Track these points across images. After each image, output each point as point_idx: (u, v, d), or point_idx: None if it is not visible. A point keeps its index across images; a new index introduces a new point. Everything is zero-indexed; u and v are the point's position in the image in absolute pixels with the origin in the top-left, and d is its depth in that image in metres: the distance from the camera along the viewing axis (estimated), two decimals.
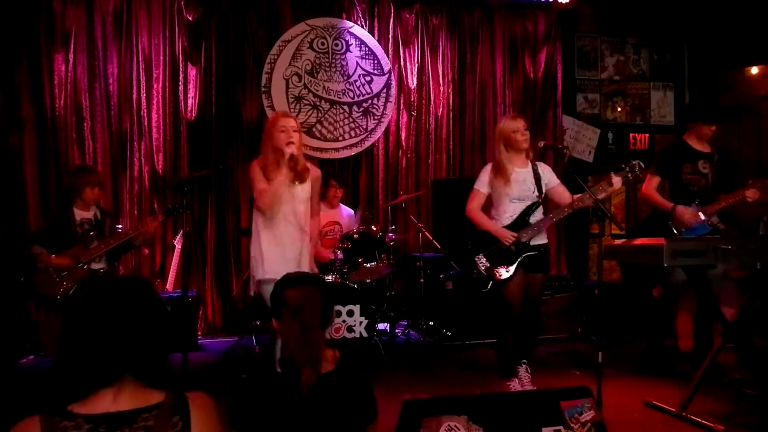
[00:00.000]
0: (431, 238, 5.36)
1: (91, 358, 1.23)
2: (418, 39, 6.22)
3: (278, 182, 3.27)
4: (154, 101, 5.55)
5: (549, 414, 2.28)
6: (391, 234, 4.86)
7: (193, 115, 5.66)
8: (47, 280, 3.84)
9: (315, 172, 3.53)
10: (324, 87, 6.01)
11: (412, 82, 6.20)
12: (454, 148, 6.32)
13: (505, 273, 3.55)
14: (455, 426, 2.16)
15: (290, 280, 1.98)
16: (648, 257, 3.14)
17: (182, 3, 5.61)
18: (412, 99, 6.20)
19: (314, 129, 5.95)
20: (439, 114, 6.27)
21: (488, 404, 2.31)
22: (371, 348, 4.53)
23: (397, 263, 5.23)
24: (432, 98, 6.24)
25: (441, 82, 6.26)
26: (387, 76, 6.14)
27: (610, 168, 3.63)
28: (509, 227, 3.58)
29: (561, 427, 2.26)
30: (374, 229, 4.67)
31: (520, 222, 3.60)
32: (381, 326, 4.98)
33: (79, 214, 4.01)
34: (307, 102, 5.97)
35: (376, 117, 6.12)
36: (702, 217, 3.92)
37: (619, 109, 6.91)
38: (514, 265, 3.55)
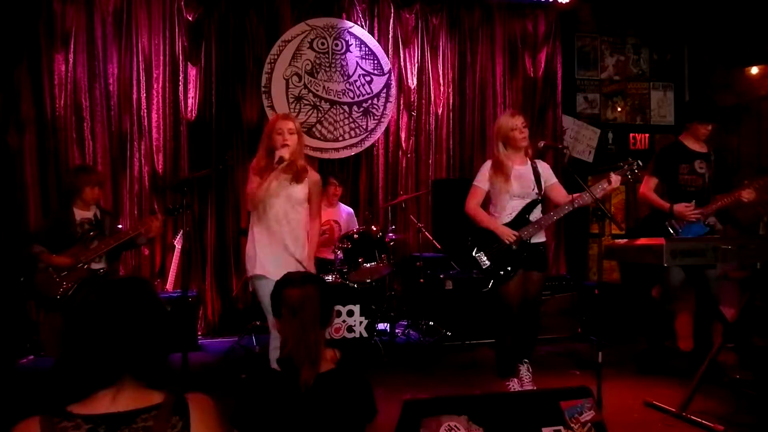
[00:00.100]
0: (431, 238, 5.36)
1: (91, 358, 1.23)
2: (418, 39, 6.22)
3: (266, 183, 3.24)
4: (154, 101, 5.55)
5: (549, 414, 2.29)
6: (391, 234, 4.86)
7: (193, 115, 5.66)
8: (47, 280, 3.84)
9: (314, 176, 3.47)
10: (324, 87, 6.01)
11: (412, 82, 6.20)
12: (454, 148, 6.32)
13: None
14: (455, 426, 2.16)
15: (290, 279, 1.99)
16: (648, 257, 3.14)
17: (182, 3, 5.61)
18: (412, 99, 6.20)
19: (314, 129, 5.95)
20: (439, 114, 6.27)
21: (488, 404, 2.31)
22: (371, 348, 4.53)
23: (397, 263, 5.23)
24: (432, 98, 6.24)
25: (441, 82, 6.26)
26: (387, 76, 6.14)
27: (610, 168, 3.62)
28: (509, 225, 3.55)
29: (561, 427, 2.27)
30: (374, 229, 4.67)
31: (520, 220, 3.58)
32: (381, 326, 4.98)
33: (80, 213, 4.01)
34: (307, 102, 5.97)
35: (376, 117, 6.12)
36: (701, 214, 3.92)
37: (619, 109, 6.91)
38: (515, 264, 3.54)
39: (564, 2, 6.35)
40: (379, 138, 6.13)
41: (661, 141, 6.76)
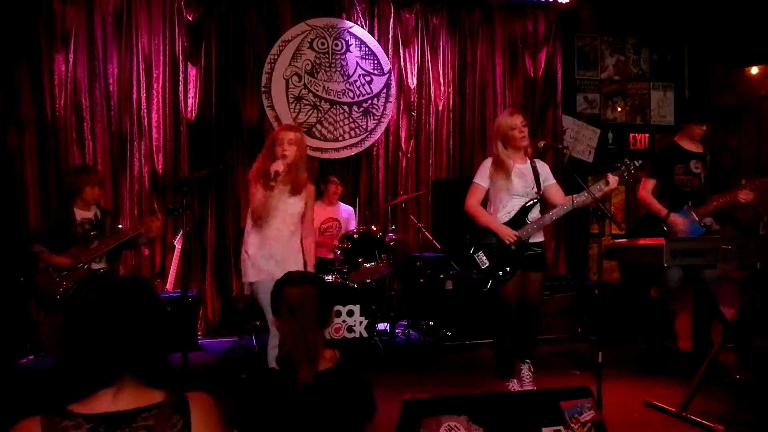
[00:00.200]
0: (431, 238, 5.36)
1: (92, 357, 1.24)
2: (418, 39, 6.22)
3: (267, 199, 3.29)
4: (154, 101, 5.55)
5: (549, 414, 2.28)
6: (391, 234, 4.86)
7: (193, 115, 5.66)
8: (47, 280, 3.84)
9: (310, 187, 3.52)
10: (324, 87, 6.01)
11: (412, 82, 6.20)
12: (454, 148, 6.32)
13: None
14: (455, 426, 2.16)
15: (290, 278, 1.99)
16: (648, 257, 3.14)
17: (182, 3, 5.61)
18: (412, 99, 6.20)
19: (314, 129, 5.95)
20: (439, 114, 6.27)
21: (488, 404, 2.31)
22: (371, 348, 4.53)
23: (397, 263, 5.24)
24: (432, 98, 6.25)
25: (441, 81, 6.26)
26: (387, 76, 6.14)
27: (607, 169, 3.62)
28: (508, 224, 3.53)
29: (561, 427, 2.26)
30: (374, 229, 4.67)
31: (519, 219, 3.56)
32: (381, 326, 4.98)
33: (80, 213, 4.01)
34: (307, 102, 5.97)
35: (376, 117, 6.12)
36: (694, 218, 3.92)
37: (619, 109, 6.91)
38: (513, 265, 3.53)
39: (564, 2, 6.35)
40: (379, 138, 6.13)
41: (661, 141, 6.76)
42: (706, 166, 4.05)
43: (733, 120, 6.25)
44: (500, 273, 3.54)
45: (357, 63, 6.08)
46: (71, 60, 5.32)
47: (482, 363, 4.33)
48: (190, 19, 5.64)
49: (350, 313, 4.53)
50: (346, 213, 5.37)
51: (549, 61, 6.50)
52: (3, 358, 4.49)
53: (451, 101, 6.29)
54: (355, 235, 4.57)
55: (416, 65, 6.21)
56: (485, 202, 3.70)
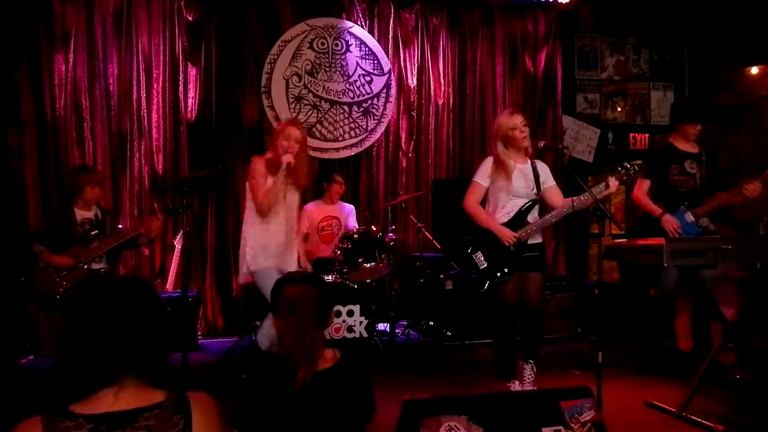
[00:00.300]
0: (431, 238, 5.36)
1: (92, 357, 1.24)
2: (418, 39, 6.22)
3: (273, 188, 3.48)
4: (154, 101, 5.55)
5: (549, 414, 2.29)
6: (391, 234, 4.86)
7: (193, 115, 5.66)
8: (47, 280, 3.84)
9: (306, 185, 3.77)
10: (324, 87, 6.01)
11: (412, 82, 6.20)
12: (454, 148, 6.32)
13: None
14: (455, 426, 2.16)
15: (289, 278, 2.00)
16: (648, 257, 3.14)
17: (182, 3, 5.61)
18: (412, 99, 6.20)
19: (314, 129, 5.96)
20: (439, 114, 6.27)
21: (488, 404, 2.31)
22: (371, 348, 4.53)
23: (397, 263, 5.24)
24: (432, 98, 6.25)
25: (441, 81, 6.26)
26: (387, 76, 6.14)
27: (609, 168, 3.62)
28: (507, 225, 3.52)
29: (561, 427, 2.27)
30: (374, 229, 4.67)
31: (519, 220, 3.54)
32: (381, 326, 4.98)
33: (80, 213, 4.01)
34: (307, 102, 5.97)
35: (376, 117, 6.12)
36: (690, 218, 3.91)
37: (619, 109, 6.91)
38: (511, 266, 3.53)
39: (564, 2, 6.35)
40: (379, 138, 6.13)
41: (661, 141, 6.76)
42: (702, 166, 4.05)
43: (733, 120, 6.25)
44: (498, 274, 3.53)
45: (357, 63, 6.08)
46: (71, 60, 5.32)
47: (482, 363, 4.33)
48: (190, 19, 5.65)
49: (350, 313, 4.53)
50: (347, 210, 5.36)
51: (549, 61, 6.50)
52: (3, 358, 4.49)
53: (451, 101, 6.29)
54: (355, 235, 4.56)
55: (416, 65, 6.21)
56: (483, 201, 3.68)
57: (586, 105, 6.82)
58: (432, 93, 6.24)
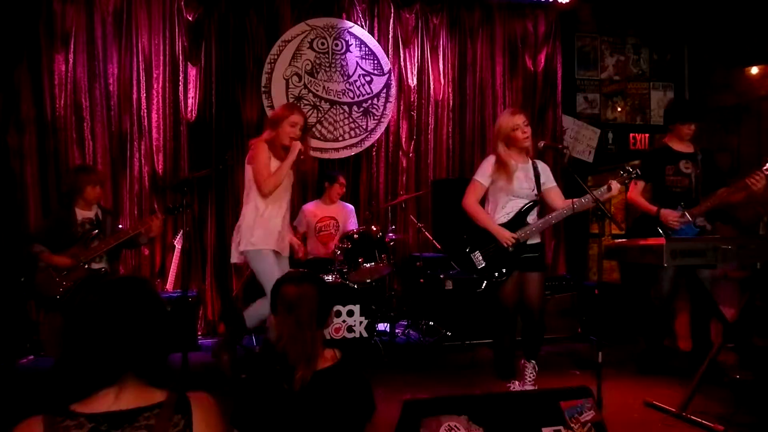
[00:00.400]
0: (431, 238, 5.36)
1: (92, 357, 1.24)
2: (418, 39, 6.22)
3: (283, 169, 3.58)
4: (154, 101, 5.55)
5: (549, 414, 2.29)
6: (391, 234, 4.86)
7: (193, 115, 5.66)
8: (47, 280, 3.84)
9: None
10: (324, 87, 6.01)
11: (412, 81, 6.20)
12: (454, 148, 6.32)
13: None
14: (455, 426, 2.16)
15: (289, 277, 2.00)
16: (648, 257, 3.14)
17: (182, 3, 5.61)
18: (412, 99, 6.20)
19: (314, 129, 5.95)
20: (439, 114, 6.27)
21: (488, 404, 2.31)
22: (371, 348, 4.53)
23: (397, 263, 5.23)
24: (432, 98, 6.24)
25: (441, 81, 6.26)
26: (387, 76, 6.14)
27: (609, 168, 3.62)
28: (506, 225, 3.51)
29: (561, 427, 2.27)
30: (374, 229, 4.67)
31: (518, 221, 3.54)
32: (381, 326, 4.98)
33: (81, 213, 4.02)
34: (307, 102, 5.97)
35: (376, 117, 6.12)
36: (688, 217, 3.91)
37: (619, 109, 6.91)
38: (510, 266, 3.52)
39: (564, 2, 6.35)
40: (379, 138, 6.13)
41: (661, 141, 6.76)
42: (698, 166, 4.05)
43: (733, 120, 6.25)
44: (496, 274, 3.53)
45: (357, 63, 6.08)
46: (71, 60, 5.32)
47: (482, 363, 4.33)
48: (190, 19, 5.65)
49: (350, 313, 4.53)
50: (347, 210, 5.36)
51: (549, 61, 6.50)
52: (3, 358, 4.49)
53: (451, 101, 6.29)
54: (355, 235, 4.56)
55: (416, 65, 6.21)
56: (482, 201, 3.67)
57: (586, 105, 6.83)
58: (432, 93, 6.24)
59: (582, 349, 4.85)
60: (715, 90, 6.51)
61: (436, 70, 6.25)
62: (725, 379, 3.72)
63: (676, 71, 7.01)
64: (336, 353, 1.94)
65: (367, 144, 6.11)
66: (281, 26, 5.88)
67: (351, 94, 6.07)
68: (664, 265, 3.06)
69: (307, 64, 5.97)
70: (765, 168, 3.66)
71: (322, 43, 6.01)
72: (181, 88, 5.61)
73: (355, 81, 6.07)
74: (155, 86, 5.55)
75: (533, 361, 3.57)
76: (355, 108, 6.08)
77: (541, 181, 3.62)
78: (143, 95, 5.52)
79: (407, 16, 6.21)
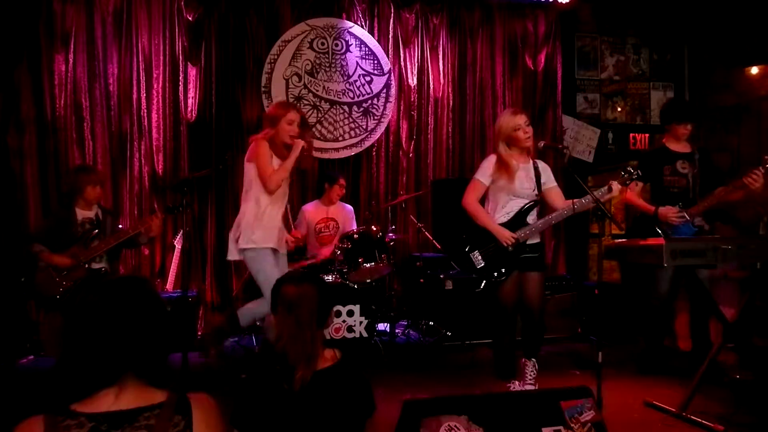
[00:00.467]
0: (431, 238, 5.36)
1: (93, 357, 1.24)
2: (418, 39, 6.22)
3: (285, 170, 3.58)
4: (154, 101, 5.55)
5: (549, 414, 2.29)
6: (391, 234, 4.86)
7: (193, 115, 5.66)
8: (47, 280, 3.85)
9: None
10: (324, 87, 6.01)
11: (413, 81, 6.20)
12: (454, 148, 6.32)
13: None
14: (455, 426, 2.16)
15: (289, 276, 2.00)
16: (648, 257, 3.14)
17: (182, 3, 5.61)
18: (412, 99, 6.20)
19: (314, 129, 5.95)
20: (439, 114, 6.27)
21: (488, 404, 2.32)
22: (371, 348, 4.53)
23: (397, 263, 5.23)
24: (432, 98, 6.24)
25: (441, 81, 6.26)
26: (387, 76, 6.14)
27: (609, 168, 3.62)
28: (506, 225, 3.51)
29: (561, 427, 2.27)
30: (374, 229, 4.67)
31: (518, 221, 3.54)
32: (381, 326, 4.98)
33: (81, 213, 4.02)
34: (307, 102, 5.97)
35: (376, 117, 6.12)
36: (686, 215, 3.91)
37: (619, 109, 6.91)
38: (509, 266, 3.52)
39: (564, 2, 6.35)
40: (379, 138, 6.13)
41: (659, 142, 6.77)
42: (695, 165, 4.05)
43: (733, 120, 6.25)
44: (495, 274, 3.52)
45: (357, 63, 6.08)
46: (71, 60, 5.32)
47: (482, 363, 4.33)
48: (190, 19, 5.64)
49: (350, 313, 4.53)
50: (346, 211, 5.36)
51: (549, 61, 6.50)
52: (3, 358, 4.49)
53: (451, 101, 6.29)
54: (355, 235, 4.57)
55: (416, 65, 6.21)
56: (485, 200, 3.67)
57: (586, 105, 6.82)
58: (432, 93, 6.24)
59: (582, 349, 4.85)
60: (715, 90, 6.51)
61: (436, 70, 6.25)
62: (725, 379, 3.72)
63: (676, 71, 7.00)
64: (336, 353, 1.94)
65: (367, 144, 6.10)
66: (281, 26, 5.88)
67: (351, 94, 6.06)
68: (664, 265, 3.06)
69: (307, 64, 5.97)
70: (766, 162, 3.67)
71: (322, 43, 6.01)
72: (181, 88, 5.61)
73: (355, 81, 6.07)
74: (155, 86, 5.54)
75: (533, 360, 3.57)
76: (355, 108, 6.08)
77: (542, 181, 3.61)
78: (143, 95, 5.52)
79: (407, 16, 6.21)
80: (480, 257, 3.54)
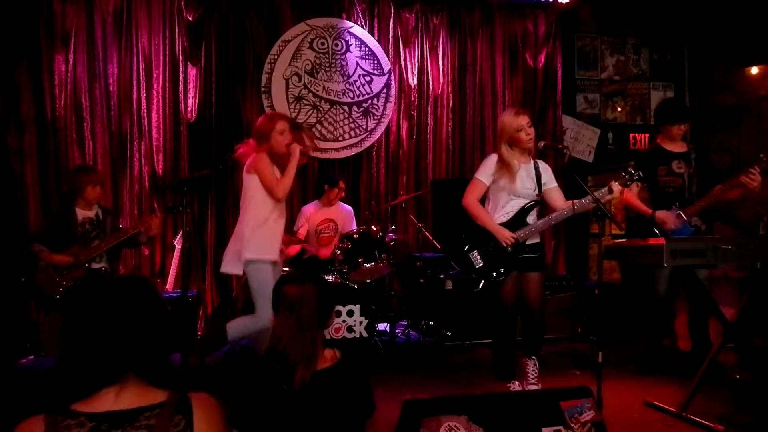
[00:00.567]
0: (431, 238, 5.36)
1: (93, 357, 1.24)
2: (418, 39, 6.22)
3: (289, 177, 3.56)
4: (154, 101, 5.55)
5: (549, 414, 2.29)
6: (391, 234, 4.86)
7: (193, 115, 5.66)
8: (47, 279, 3.84)
9: None
10: (324, 87, 6.01)
11: (413, 81, 6.20)
12: (454, 148, 6.32)
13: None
14: (455, 426, 2.16)
15: (290, 277, 2.00)
16: (648, 257, 3.14)
17: (182, 3, 5.61)
18: (412, 99, 6.20)
19: (314, 129, 5.95)
20: (439, 114, 6.27)
21: (488, 404, 2.32)
22: (371, 348, 4.53)
23: (397, 263, 5.23)
24: (432, 98, 6.24)
25: (441, 81, 6.26)
26: (387, 76, 6.14)
27: (609, 168, 3.62)
28: (506, 225, 3.50)
29: (561, 427, 2.27)
30: (374, 229, 4.67)
31: (518, 221, 3.53)
32: (381, 326, 4.98)
33: (81, 213, 4.02)
34: (307, 102, 5.97)
35: (376, 117, 6.12)
36: (684, 217, 3.91)
37: (619, 109, 6.91)
38: (508, 266, 3.51)
39: (564, 2, 6.35)
40: (379, 138, 6.13)
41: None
42: (690, 165, 4.04)
43: (733, 120, 6.25)
44: (494, 274, 3.52)
45: (357, 63, 6.08)
46: (71, 60, 5.32)
47: (482, 363, 4.33)
48: (190, 19, 5.65)
49: (350, 313, 4.53)
50: (345, 212, 5.36)
51: (549, 61, 6.50)
52: (3, 358, 4.49)
53: (451, 101, 6.29)
54: (355, 235, 4.56)
55: (416, 65, 6.21)
56: (484, 200, 3.66)
57: (586, 105, 6.82)
58: (432, 93, 6.24)
59: (582, 349, 4.85)
60: (715, 90, 6.51)
61: (436, 69, 6.25)
62: (725, 379, 3.72)
63: (676, 71, 7.00)
64: (336, 353, 1.94)
65: (367, 144, 6.10)
66: (281, 26, 5.88)
67: (351, 94, 6.06)
68: (664, 265, 3.06)
69: (307, 64, 5.97)
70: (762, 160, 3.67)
71: (322, 43, 6.01)
72: (181, 88, 5.61)
73: (355, 81, 6.07)
74: (155, 86, 5.55)
75: (534, 358, 3.57)
76: (355, 108, 6.08)
77: (543, 182, 3.61)
78: (143, 95, 5.52)
79: (407, 16, 6.21)
80: (479, 257, 3.53)
